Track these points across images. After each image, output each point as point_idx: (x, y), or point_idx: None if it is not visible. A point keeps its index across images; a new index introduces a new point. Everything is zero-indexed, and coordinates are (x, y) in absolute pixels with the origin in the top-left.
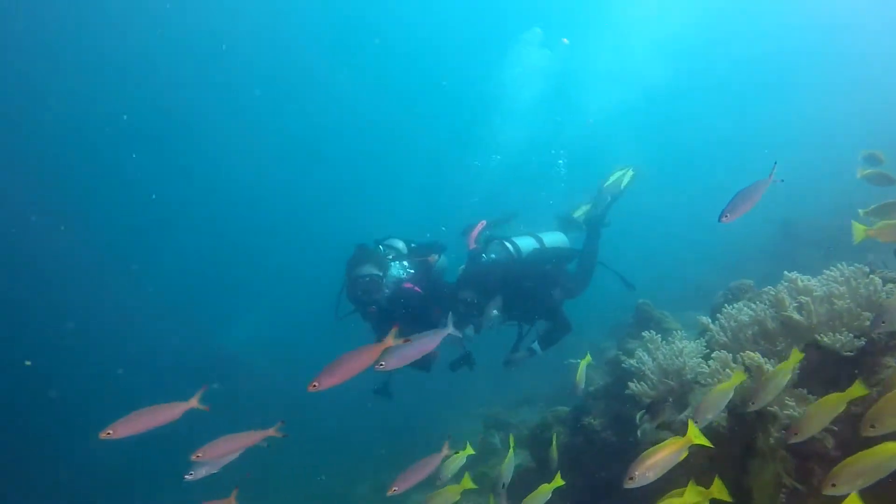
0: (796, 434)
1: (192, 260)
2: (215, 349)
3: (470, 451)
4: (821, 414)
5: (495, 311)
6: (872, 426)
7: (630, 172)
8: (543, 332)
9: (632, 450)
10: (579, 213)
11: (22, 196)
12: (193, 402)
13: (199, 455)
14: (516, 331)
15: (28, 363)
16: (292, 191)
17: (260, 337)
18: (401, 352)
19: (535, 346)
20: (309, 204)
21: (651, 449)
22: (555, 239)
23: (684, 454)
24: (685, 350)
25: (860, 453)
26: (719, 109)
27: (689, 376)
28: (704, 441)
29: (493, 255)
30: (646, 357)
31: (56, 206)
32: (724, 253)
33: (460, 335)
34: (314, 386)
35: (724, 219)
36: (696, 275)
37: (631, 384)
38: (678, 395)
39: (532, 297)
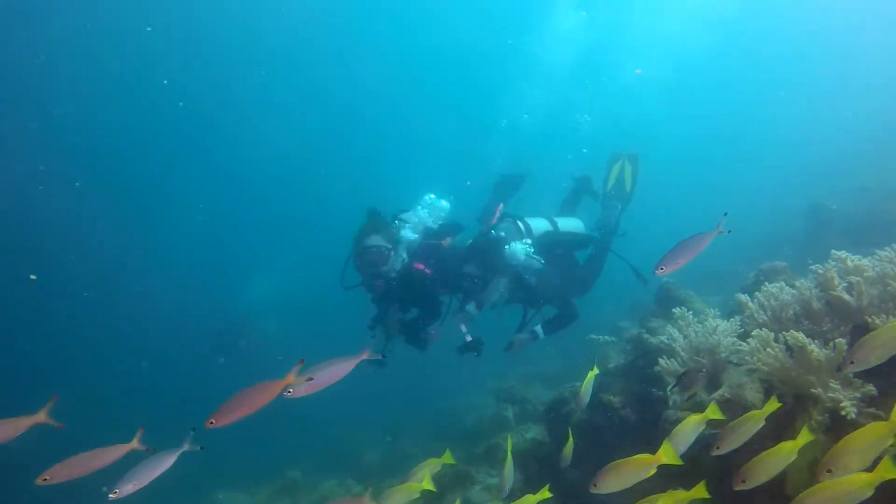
0: (744, 482)
1: (210, 224)
2: (228, 313)
3: (449, 459)
4: (771, 463)
5: (501, 285)
6: (829, 470)
7: (628, 166)
8: (549, 318)
9: (651, 427)
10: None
11: (32, 152)
12: (41, 417)
13: (47, 478)
14: (521, 313)
15: (33, 277)
16: (315, 153)
17: (273, 300)
18: (313, 377)
19: (539, 329)
20: (333, 167)
21: (622, 460)
22: (569, 224)
23: (652, 471)
24: (719, 328)
25: (827, 482)
26: (752, 88)
27: (722, 354)
28: (677, 461)
29: (502, 233)
30: (676, 334)
31: (69, 164)
32: (746, 239)
33: (379, 356)
34: (211, 423)
35: (658, 271)
36: (717, 260)
37: (661, 360)
38: (711, 373)
39: (539, 280)
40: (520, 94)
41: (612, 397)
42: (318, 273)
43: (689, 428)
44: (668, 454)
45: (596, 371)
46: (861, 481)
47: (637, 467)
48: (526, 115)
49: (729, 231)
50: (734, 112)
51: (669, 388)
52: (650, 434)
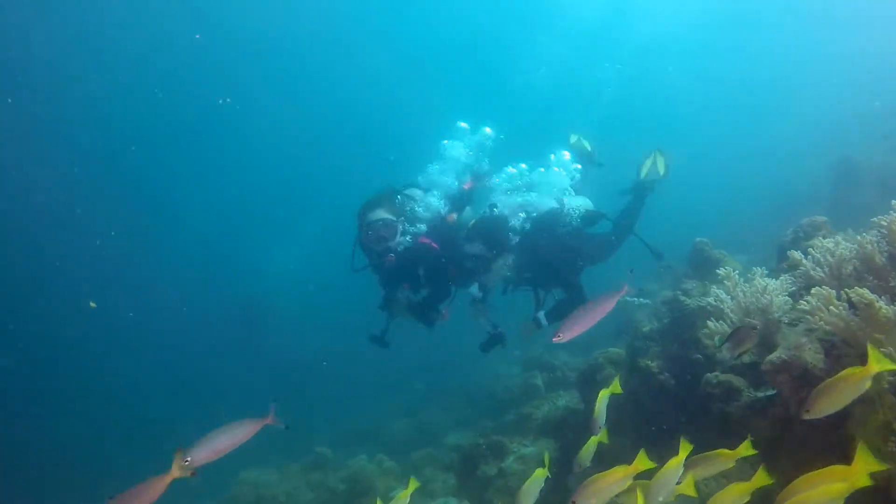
0: None
1: (227, 203)
2: (246, 297)
3: (415, 483)
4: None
5: (506, 266)
6: None
7: (660, 157)
8: (554, 304)
9: (692, 392)
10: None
11: (45, 133)
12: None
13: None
14: (532, 296)
15: (93, 305)
16: (329, 114)
17: (291, 281)
18: (206, 450)
19: (541, 316)
20: (346, 145)
21: (597, 475)
22: (575, 202)
23: (629, 482)
24: (769, 287)
25: (808, 493)
26: (778, 40)
27: (775, 314)
28: (651, 465)
29: (505, 211)
30: (724, 295)
31: (84, 146)
32: (770, 196)
33: (282, 424)
34: None
35: (555, 339)
36: (740, 219)
37: (710, 322)
38: (763, 335)
39: (543, 261)
40: (539, 50)
41: (649, 362)
42: (333, 259)
43: (663, 480)
44: (643, 462)
45: (609, 391)
46: (834, 491)
47: (615, 479)
48: (543, 69)
49: (639, 291)
50: (756, 70)
51: (718, 343)
52: (689, 401)
